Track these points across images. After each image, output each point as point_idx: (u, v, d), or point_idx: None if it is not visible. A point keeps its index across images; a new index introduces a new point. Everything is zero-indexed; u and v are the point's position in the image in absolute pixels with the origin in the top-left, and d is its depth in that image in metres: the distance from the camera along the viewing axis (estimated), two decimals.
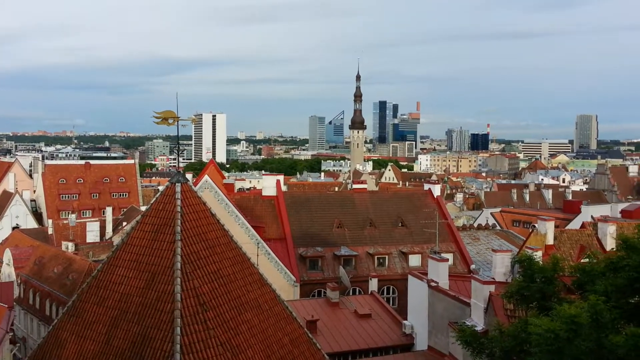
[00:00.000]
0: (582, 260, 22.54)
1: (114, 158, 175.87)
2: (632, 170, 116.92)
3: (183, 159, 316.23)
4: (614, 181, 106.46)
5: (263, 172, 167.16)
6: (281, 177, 46.22)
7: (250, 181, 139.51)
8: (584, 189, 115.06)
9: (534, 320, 12.43)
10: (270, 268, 35.07)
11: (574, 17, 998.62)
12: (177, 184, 14.91)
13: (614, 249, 17.18)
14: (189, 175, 38.89)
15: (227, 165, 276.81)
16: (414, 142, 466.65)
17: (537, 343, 11.75)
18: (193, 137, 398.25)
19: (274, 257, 36.64)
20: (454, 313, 23.39)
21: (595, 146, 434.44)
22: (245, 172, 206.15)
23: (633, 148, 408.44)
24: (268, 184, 42.97)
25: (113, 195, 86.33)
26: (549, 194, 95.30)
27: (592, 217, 47.77)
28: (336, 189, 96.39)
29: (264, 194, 42.51)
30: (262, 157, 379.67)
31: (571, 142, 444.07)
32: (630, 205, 57.53)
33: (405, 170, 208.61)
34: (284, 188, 48.15)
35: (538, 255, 23.59)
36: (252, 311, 14.64)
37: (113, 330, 13.64)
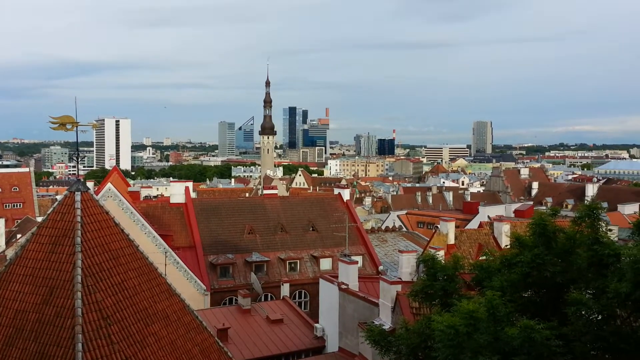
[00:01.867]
0: (480, 258, 23.84)
1: (7, 166, 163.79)
2: (524, 172, 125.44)
3: (83, 167, 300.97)
4: (507, 183, 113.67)
5: (171, 178, 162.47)
6: (190, 184, 45.23)
7: (158, 188, 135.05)
8: (481, 191, 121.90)
9: (437, 317, 13.01)
10: (179, 277, 34.16)
11: (472, 29, 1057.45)
12: (76, 192, 14.19)
13: (508, 247, 18.32)
14: (90, 184, 37.11)
15: (133, 173, 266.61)
16: (323, 148, 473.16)
17: (440, 339, 12.30)
18: (95, 143, 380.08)
19: (183, 266, 35.75)
20: (364, 314, 23.97)
21: (491, 150, 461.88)
22: (152, 180, 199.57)
23: (524, 152, 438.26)
24: (176, 191, 41.88)
25: (6, 206, 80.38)
26: (450, 196, 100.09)
27: (488, 217, 50.64)
28: (247, 194, 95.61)
29: (172, 201, 41.38)
30: (170, 163, 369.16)
31: (469, 146, 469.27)
32: (522, 205, 61.72)
33: (316, 175, 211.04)
34: (193, 195, 47.12)
35: (440, 254, 24.70)
36: (160, 323, 14.21)
37: (8, 350, 12.72)
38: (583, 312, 12.29)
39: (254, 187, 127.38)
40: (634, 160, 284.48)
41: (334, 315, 26.25)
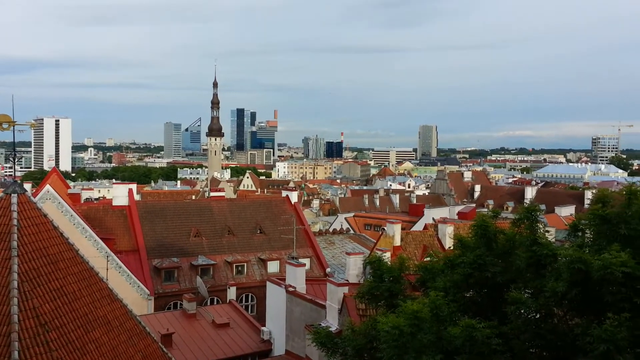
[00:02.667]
0: (424, 259, 24.33)
1: None
2: (467, 175, 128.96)
3: (20, 168, 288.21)
4: (451, 186, 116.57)
5: (114, 180, 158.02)
6: (134, 186, 44.07)
7: (100, 190, 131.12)
8: (427, 193, 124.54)
9: (382, 318, 13.17)
10: (121, 282, 33.24)
11: (418, 35, 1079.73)
12: (13, 194, 13.61)
13: (451, 248, 18.76)
14: (27, 185, 35.61)
15: (73, 174, 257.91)
16: (271, 150, 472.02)
17: (385, 339, 12.44)
18: (33, 143, 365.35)
19: (126, 270, 34.80)
20: (311, 316, 24.01)
21: (436, 154, 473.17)
22: (93, 181, 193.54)
23: (467, 155, 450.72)
24: (119, 193, 40.75)
25: None
26: (396, 199, 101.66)
27: (433, 219, 51.75)
28: (193, 197, 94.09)
29: (114, 203, 40.22)
30: (113, 165, 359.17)
31: (415, 150, 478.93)
32: (465, 207, 63.44)
33: (264, 177, 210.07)
34: (137, 197, 45.96)
35: (387, 256, 25.01)
36: (101, 329, 13.79)
37: None
38: (522, 311, 12.69)
39: (201, 189, 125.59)
40: (570, 164, 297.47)
41: (281, 318, 26.17)
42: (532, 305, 12.63)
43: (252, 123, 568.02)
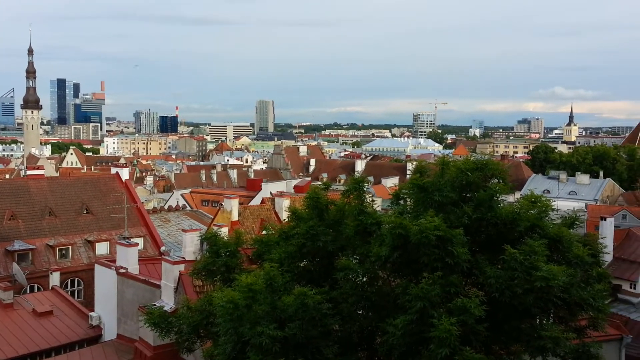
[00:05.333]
0: (262, 233, 24.64)
1: None
2: (303, 150, 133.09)
3: None
4: (288, 160, 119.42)
5: None
6: None
7: None
8: (264, 168, 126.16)
9: (217, 293, 13.10)
10: None
11: (255, 9, 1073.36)
12: None
13: (287, 220, 19.21)
14: None
15: None
16: (99, 124, 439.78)
17: (220, 314, 12.43)
18: None
19: None
20: (145, 297, 23.07)
21: (273, 129, 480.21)
22: None
23: (303, 130, 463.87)
24: None
25: None
26: (234, 174, 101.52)
27: (270, 193, 52.70)
28: (7, 176, 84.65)
29: None
30: None
31: (252, 125, 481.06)
32: (301, 181, 65.59)
33: (90, 153, 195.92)
34: None
35: (224, 231, 24.80)
36: None
37: None
38: (350, 276, 13.48)
39: (16, 167, 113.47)
40: (394, 138, 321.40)
41: (111, 301, 24.78)
42: (359, 270, 13.46)
43: (76, 95, 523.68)
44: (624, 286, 34.70)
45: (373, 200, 16.87)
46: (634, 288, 34.37)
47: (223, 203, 38.77)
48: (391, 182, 78.36)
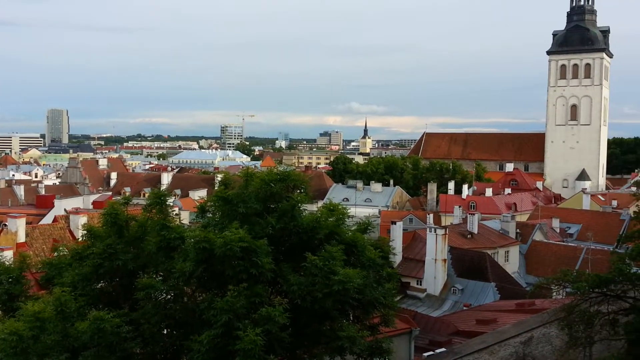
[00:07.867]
0: (54, 254, 22.40)
1: None
2: (102, 163, 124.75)
3: None
4: (85, 174, 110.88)
5: None
6: None
7: None
8: (57, 183, 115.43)
9: None
10: None
11: (45, 11, 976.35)
12: None
13: (82, 239, 17.75)
14: None
15: None
16: None
17: (2, 348, 10.98)
18: None
19: None
20: None
21: (67, 140, 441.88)
22: None
23: (103, 142, 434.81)
24: None
25: None
26: (21, 190, 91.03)
27: (65, 210, 48.26)
28: None
29: None
30: None
31: (43, 136, 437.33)
32: (100, 196, 61.26)
33: None
34: None
35: (8, 255, 22.12)
36: None
37: None
38: (152, 295, 12.89)
39: None
40: (202, 150, 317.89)
41: None
42: (162, 288, 12.95)
43: None
44: (412, 283, 38.72)
45: (178, 214, 16.42)
46: (420, 284, 38.52)
47: (7, 223, 34.57)
48: (199, 194, 77.32)
